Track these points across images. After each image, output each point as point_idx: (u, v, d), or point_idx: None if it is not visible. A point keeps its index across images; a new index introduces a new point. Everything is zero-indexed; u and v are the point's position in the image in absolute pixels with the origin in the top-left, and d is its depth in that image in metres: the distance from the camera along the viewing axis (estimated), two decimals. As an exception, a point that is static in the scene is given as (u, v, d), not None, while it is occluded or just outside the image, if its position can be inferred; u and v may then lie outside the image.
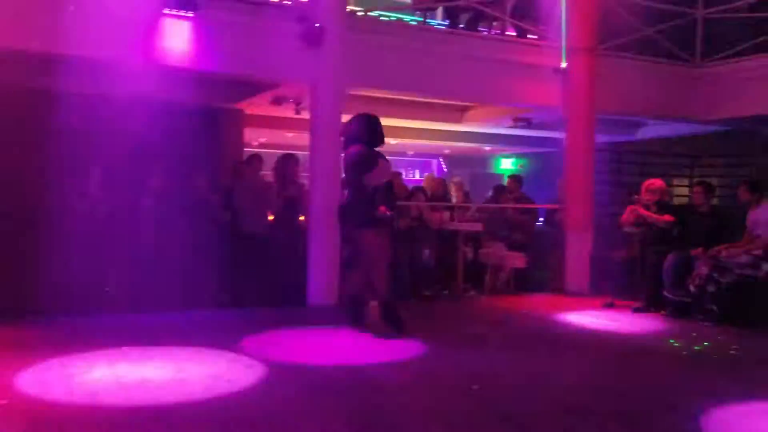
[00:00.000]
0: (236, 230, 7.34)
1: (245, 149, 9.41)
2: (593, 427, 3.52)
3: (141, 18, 6.23)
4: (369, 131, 5.60)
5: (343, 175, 5.88)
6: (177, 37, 6.33)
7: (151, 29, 6.24)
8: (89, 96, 7.34)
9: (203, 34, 6.42)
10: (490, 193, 9.59)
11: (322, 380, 4.25)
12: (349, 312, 5.82)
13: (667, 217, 7.02)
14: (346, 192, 5.74)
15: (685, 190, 9.66)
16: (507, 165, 14.56)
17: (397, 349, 5.10)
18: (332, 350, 5.11)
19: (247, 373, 4.36)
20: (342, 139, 5.79)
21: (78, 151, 6.80)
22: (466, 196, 9.92)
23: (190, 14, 6.25)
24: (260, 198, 7.42)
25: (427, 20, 8.95)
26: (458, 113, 10.02)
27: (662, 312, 6.91)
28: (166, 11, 6.22)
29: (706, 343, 5.62)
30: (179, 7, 6.17)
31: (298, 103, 7.99)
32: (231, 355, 4.83)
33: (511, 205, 9.05)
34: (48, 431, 3.26)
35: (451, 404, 3.87)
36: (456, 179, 10.09)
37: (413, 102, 8.94)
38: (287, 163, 7.49)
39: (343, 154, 5.78)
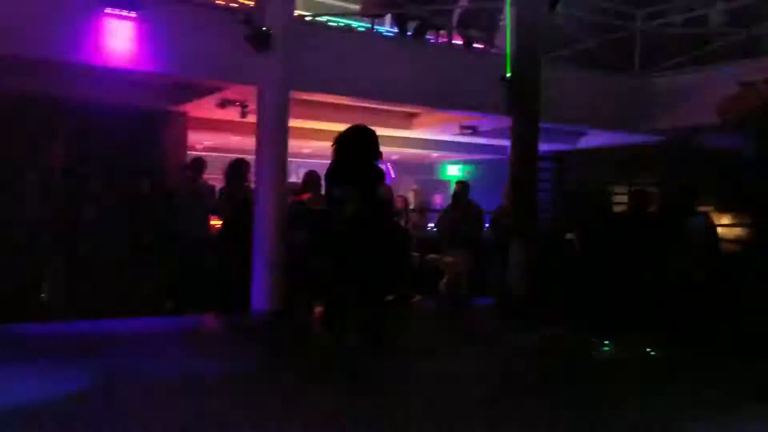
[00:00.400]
0: (178, 235, 7.24)
1: (190, 152, 9.27)
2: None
3: (81, 17, 6.09)
4: (375, 145, 5.35)
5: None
6: (119, 38, 6.20)
7: (92, 29, 6.10)
8: (27, 98, 7.14)
9: (146, 35, 6.31)
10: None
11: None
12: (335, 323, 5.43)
13: None
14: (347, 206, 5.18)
15: (624, 198, 9.92)
16: (454, 172, 14.73)
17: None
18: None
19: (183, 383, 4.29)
20: (335, 147, 5.36)
21: (14, 155, 6.61)
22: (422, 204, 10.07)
23: (133, 14, 6.12)
24: (202, 202, 7.34)
25: (376, 27, 9.01)
26: (406, 120, 10.09)
27: (601, 317, 7.07)
28: (108, 11, 6.07)
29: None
30: (121, 7, 6.04)
31: (244, 107, 7.92)
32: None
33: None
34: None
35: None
36: (414, 187, 10.26)
37: (361, 107, 8.98)
38: (237, 167, 7.42)
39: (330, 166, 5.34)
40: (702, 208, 6.92)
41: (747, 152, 6.26)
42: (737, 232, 7.42)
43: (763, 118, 6.09)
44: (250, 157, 7.92)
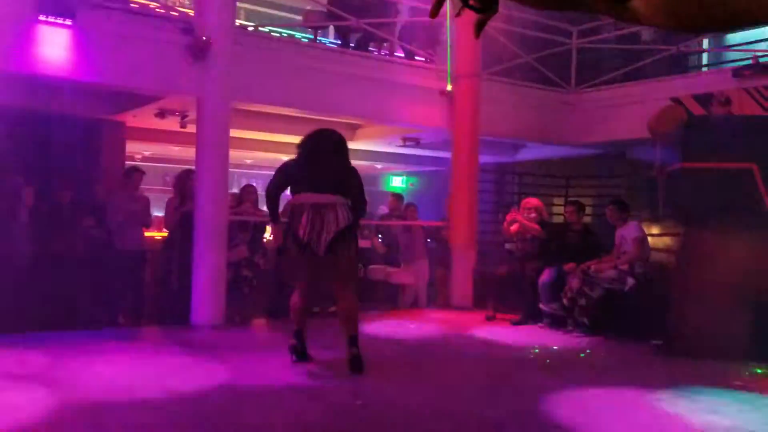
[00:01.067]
0: (110, 247, 7.11)
1: (129, 162, 9.12)
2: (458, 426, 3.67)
3: (16, 25, 5.94)
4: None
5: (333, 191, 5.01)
6: (54, 46, 6.07)
7: (27, 37, 5.95)
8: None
9: (82, 43, 6.18)
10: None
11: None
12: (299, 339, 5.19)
13: (536, 227, 7.49)
14: (341, 214, 4.92)
15: (561, 209, 10.20)
16: (397, 183, 14.85)
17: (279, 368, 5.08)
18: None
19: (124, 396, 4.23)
20: (302, 152, 5.12)
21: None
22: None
23: (68, 22, 6.00)
24: (136, 213, 7.22)
25: (319, 38, 9.06)
26: (350, 131, 10.12)
27: (539, 324, 7.27)
28: (42, 18, 5.93)
29: (579, 352, 5.98)
30: (56, 14, 5.91)
31: (183, 117, 7.84)
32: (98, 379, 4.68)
33: (396, 222, 9.26)
34: None
35: (339, 419, 3.91)
36: None
37: (304, 118, 8.98)
38: (186, 178, 7.33)
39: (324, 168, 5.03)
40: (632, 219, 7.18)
41: (672, 164, 6.53)
42: (666, 241, 7.71)
43: (689, 132, 6.35)
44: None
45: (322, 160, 4.96)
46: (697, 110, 7.63)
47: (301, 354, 5.10)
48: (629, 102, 8.89)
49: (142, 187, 7.66)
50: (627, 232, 6.95)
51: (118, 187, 7.49)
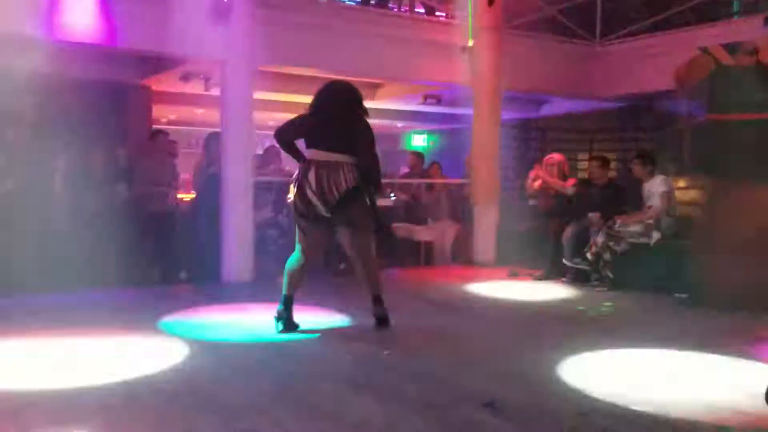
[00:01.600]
0: (141, 208, 7.28)
1: (154, 126, 9.23)
2: (479, 379, 3.78)
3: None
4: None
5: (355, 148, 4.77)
6: (80, 12, 6.14)
7: (52, 3, 6.02)
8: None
9: (108, 8, 6.25)
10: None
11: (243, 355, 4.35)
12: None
13: (571, 181, 7.51)
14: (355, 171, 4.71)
15: (585, 164, 10.16)
16: (419, 142, 14.83)
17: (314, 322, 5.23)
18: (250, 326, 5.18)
19: (169, 350, 4.40)
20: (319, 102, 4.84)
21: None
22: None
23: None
24: (164, 174, 7.35)
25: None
26: (370, 90, 10.13)
27: (562, 279, 7.33)
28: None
29: (602, 306, 6.05)
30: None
31: (207, 80, 7.90)
32: (149, 333, 4.85)
33: (417, 180, 9.31)
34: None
35: (365, 370, 4.05)
36: None
37: (325, 78, 8.97)
38: (212, 141, 7.45)
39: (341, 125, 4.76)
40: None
41: (699, 116, 6.45)
42: (692, 194, 7.67)
43: (715, 82, 6.26)
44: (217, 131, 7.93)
45: (330, 117, 4.71)
46: (726, 60, 7.50)
47: (287, 323, 4.82)
48: (655, 53, 8.75)
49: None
50: (653, 186, 6.92)
51: (145, 151, 7.61)
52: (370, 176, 4.74)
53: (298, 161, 4.84)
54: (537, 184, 7.78)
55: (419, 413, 3.22)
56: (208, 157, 7.40)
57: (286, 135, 4.84)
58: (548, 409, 3.34)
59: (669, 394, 3.62)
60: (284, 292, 4.86)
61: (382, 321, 4.87)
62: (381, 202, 8.42)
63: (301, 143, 4.87)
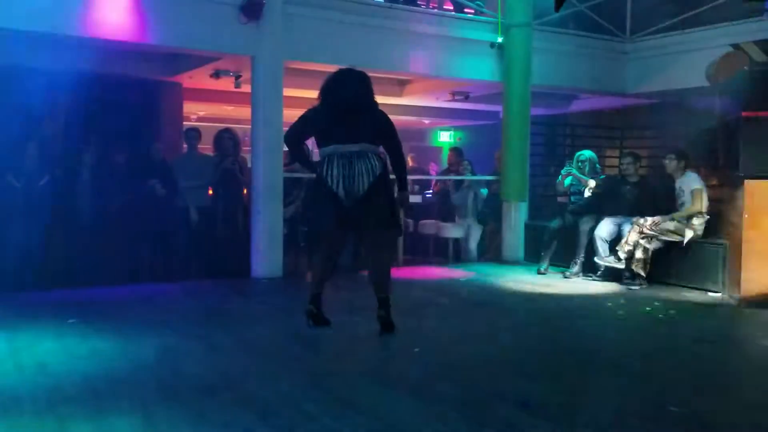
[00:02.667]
0: (174, 204, 7.36)
1: (186, 123, 9.33)
2: (512, 377, 3.77)
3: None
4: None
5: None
6: (114, 10, 6.21)
7: (87, 1, 6.10)
8: (25, 70, 7.17)
9: (141, 6, 6.32)
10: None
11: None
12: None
13: (590, 181, 7.47)
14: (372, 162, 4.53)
15: (615, 161, 10.06)
16: (445, 138, 14.79)
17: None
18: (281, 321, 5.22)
19: (199, 343, 4.45)
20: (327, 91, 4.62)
21: (12, 126, 6.66)
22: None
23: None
24: (198, 171, 7.42)
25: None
26: (398, 87, 10.14)
27: (592, 277, 7.27)
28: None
29: (635, 305, 6.00)
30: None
31: (237, 77, 7.95)
32: (177, 325, 4.92)
33: (449, 176, 9.29)
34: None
35: (397, 367, 4.06)
36: (410, 154, 10.50)
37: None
38: (222, 137, 7.51)
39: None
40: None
41: (733, 113, 6.36)
42: (725, 191, 7.55)
43: (751, 80, 6.17)
44: (245, 127, 7.99)
45: (346, 105, 4.48)
46: (760, 57, 7.38)
47: (317, 319, 4.76)
48: (687, 50, 8.64)
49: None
50: (685, 183, 6.84)
51: (178, 147, 7.70)
52: (399, 165, 4.58)
53: (308, 168, 4.72)
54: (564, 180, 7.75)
55: (455, 410, 3.22)
56: (220, 153, 7.47)
57: (294, 135, 4.68)
58: (585, 407, 3.32)
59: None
60: (312, 289, 4.83)
61: (386, 326, 4.64)
62: (411, 198, 8.47)
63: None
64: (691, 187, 6.73)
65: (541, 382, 3.74)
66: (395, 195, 4.69)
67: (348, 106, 4.49)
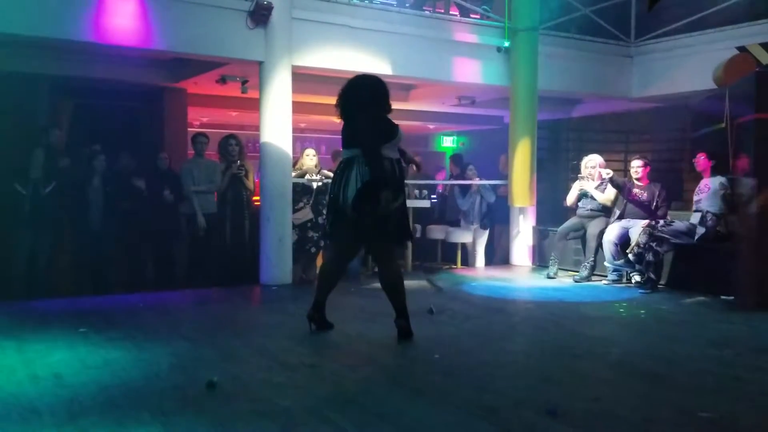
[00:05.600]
0: (182, 210, 7.32)
1: (191, 129, 9.28)
2: (534, 383, 3.73)
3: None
4: (384, 95, 4.72)
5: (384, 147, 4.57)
6: (121, 15, 6.18)
7: (93, 7, 6.06)
8: (30, 75, 7.15)
9: (147, 11, 6.29)
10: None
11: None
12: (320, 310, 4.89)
13: (609, 196, 7.42)
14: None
15: (619, 165, 10.04)
16: (448, 143, 14.76)
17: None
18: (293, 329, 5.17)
19: (213, 351, 4.40)
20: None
21: (18, 133, 6.64)
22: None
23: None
24: (206, 177, 7.39)
25: (373, -1, 8.97)
26: (403, 92, 10.09)
27: (603, 281, 7.25)
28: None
29: (644, 308, 5.95)
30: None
31: (244, 82, 7.91)
32: (189, 332, 4.87)
33: (452, 181, 9.25)
34: (16, 415, 3.21)
35: (417, 374, 4.01)
36: (417, 158, 10.45)
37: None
38: (227, 143, 7.47)
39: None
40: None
41: (743, 116, 6.32)
42: (737, 195, 7.52)
43: (757, 82, 6.14)
44: (249, 133, 7.97)
45: (348, 111, 4.62)
46: (766, 59, 7.36)
47: (320, 323, 4.82)
48: (692, 53, 8.63)
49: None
50: (704, 184, 6.77)
51: (182, 154, 7.66)
52: (373, 165, 4.41)
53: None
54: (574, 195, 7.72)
55: (482, 418, 3.17)
56: (226, 159, 7.44)
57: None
58: (612, 414, 3.27)
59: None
60: (316, 295, 4.84)
61: (403, 333, 4.62)
62: (416, 203, 8.44)
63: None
64: (716, 187, 6.61)
65: (564, 387, 3.70)
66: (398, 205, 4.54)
67: (344, 112, 4.64)
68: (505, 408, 3.32)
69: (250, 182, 7.49)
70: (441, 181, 9.74)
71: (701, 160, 6.83)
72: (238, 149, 7.45)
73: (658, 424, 3.15)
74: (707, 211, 6.53)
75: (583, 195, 7.66)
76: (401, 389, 3.65)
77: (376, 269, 4.96)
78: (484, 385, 3.70)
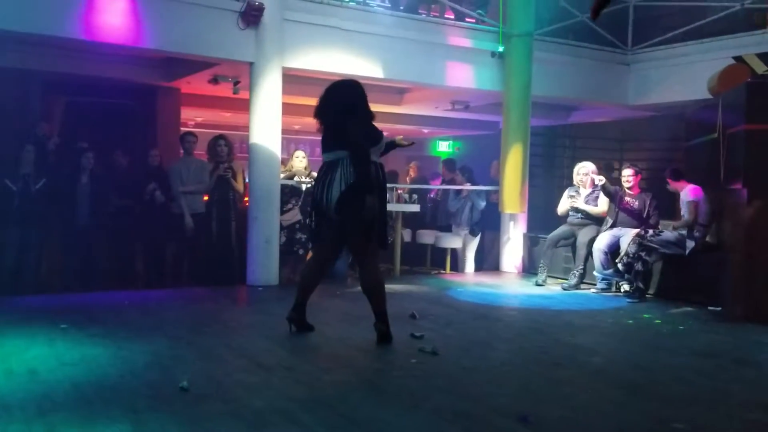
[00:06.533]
0: (170, 210, 7.30)
1: (183, 128, 9.26)
2: (509, 391, 3.70)
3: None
4: (363, 99, 4.74)
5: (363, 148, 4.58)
6: (112, 14, 6.17)
7: (86, 4, 6.06)
8: (21, 72, 7.14)
9: (140, 10, 6.28)
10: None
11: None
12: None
13: (602, 208, 7.40)
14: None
15: (614, 173, 10.03)
16: (444, 148, 14.74)
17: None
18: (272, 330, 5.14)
19: (191, 351, 4.38)
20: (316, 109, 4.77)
21: (9, 129, 6.63)
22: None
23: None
24: (195, 176, 7.36)
25: (367, 1, 8.95)
26: (397, 96, 10.08)
27: (591, 290, 7.22)
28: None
29: (633, 317, 5.93)
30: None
31: (235, 83, 7.90)
32: (170, 331, 4.85)
33: (445, 186, 9.24)
34: (-15, 410, 3.19)
35: (393, 379, 3.98)
36: (413, 163, 10.58)
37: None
38: (216, 144, 7.46)
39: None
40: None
41: (735, 126, 6.30)
42: (727, 205, 7.50)
43: (753, 92, 6.12)
44: (243, 134, 7.93)
45: (328, 114, 4.63)
46: (761, 69, 7.34)
47: (299, 324, 4.83)
48: (689, 62, 8.62)
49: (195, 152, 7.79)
50: (684, 195, 6.80)
51: (175, 153, 7.65)
52: (358, 167, 4.42)
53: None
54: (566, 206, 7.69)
55: (453, 423, 3.14)
56: (214, 159, 7.42)
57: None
58: (586, 422, 3.25)
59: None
60: (297, 297, 4.85)
61: (382, 337, 4.60)
62: (406, 207, 8.42)
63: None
64: (687, 199, 6.68)
65: (542, 395, 3.67)
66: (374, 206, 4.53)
67: (324, 116, 4.66)
68: (479, 414, 3.30)
69: (239, 183, 7.45)
70: (431, 186, 9.70)
71: (670, 183, 6.87)
72: (227, 150, 7.43)
73: (630, 432, 3.12)
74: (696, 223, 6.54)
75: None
76: (375, 393, 3.63)
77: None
78: (461, 390, 3.68)
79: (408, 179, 10.32)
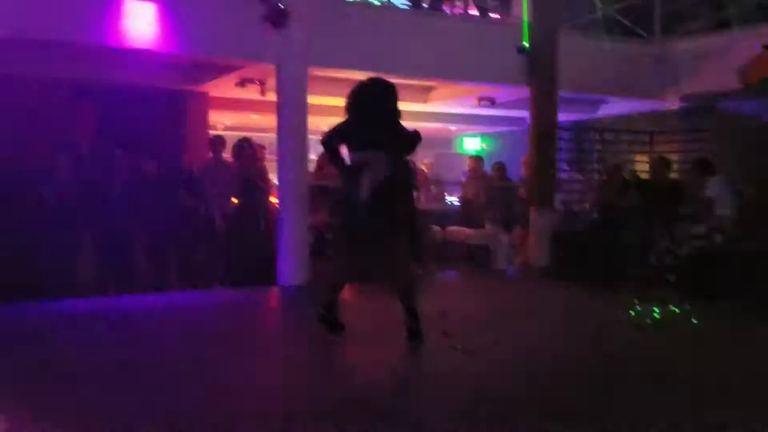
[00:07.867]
0: (201, 213, 7.38)
1: (212, 132, 9.36)
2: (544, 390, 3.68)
3: (103, 0, 6.15)
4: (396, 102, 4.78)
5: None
6: (139, 19, 6.26)
7: (113, 11, 6.16)
8: (52, 79, 7.26)
9: (166, 15, 6.37)
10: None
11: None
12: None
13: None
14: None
15: (644, 166, 9.90)
16: (471, 145, 14.67)
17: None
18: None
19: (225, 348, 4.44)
20: (349, 103, 4.75)
21: (43, 135, 6.74)
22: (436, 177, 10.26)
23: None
24: (223, 179, 7.44)
25: (391, 0, 8.97)
26: (423, 93, 10.07)
27: (623, 286, 7.12)
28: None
29: (667, 313, 5.84)
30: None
31: (262, 84, 7.97)
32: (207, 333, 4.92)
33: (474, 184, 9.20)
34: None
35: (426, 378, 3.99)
36: (426, 160, 10.48)
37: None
38: (242, 147, 7.52)
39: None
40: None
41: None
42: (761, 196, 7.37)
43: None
44: (269, 135, 7.98)
45: (363, 115, 4.62)
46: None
47: (332, 324, 4.78)
48: (718, 52, 8.47)
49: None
50: (709, 189, 6.68)
51: (204, 157, 7.73)
52: (405, 175, 4.52)
53: (341, 171, 4.75)
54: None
55: (485, 422, 3.15)
56: (240, 163, 7.47)
57: (330, 140, 4.73)
58: (622, 417, 3.23)
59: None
60: (329, 294, 4.83)
61: (413, 335, 4.60)
62: (437, 205, 8.41)
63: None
64: (710, 194, 6.55)
65: (577, 393, 3.64)
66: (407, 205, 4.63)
67: (364, 116, 4.62)
68: (511, 413, 3.28)
69: (266, 185, 7.51)
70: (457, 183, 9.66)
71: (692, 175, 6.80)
72: (252, 152, 7.48)
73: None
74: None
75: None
76: (407, 391, 3.62)
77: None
78: (490, 388, 3.67)
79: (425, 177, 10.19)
